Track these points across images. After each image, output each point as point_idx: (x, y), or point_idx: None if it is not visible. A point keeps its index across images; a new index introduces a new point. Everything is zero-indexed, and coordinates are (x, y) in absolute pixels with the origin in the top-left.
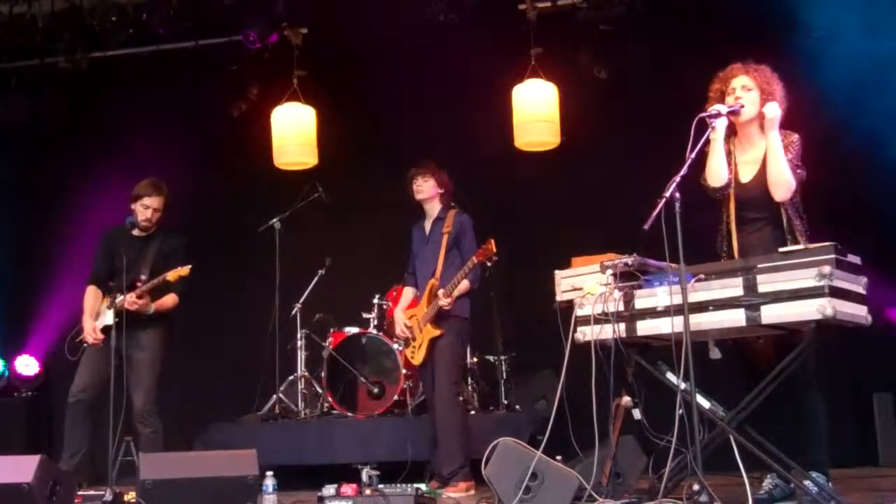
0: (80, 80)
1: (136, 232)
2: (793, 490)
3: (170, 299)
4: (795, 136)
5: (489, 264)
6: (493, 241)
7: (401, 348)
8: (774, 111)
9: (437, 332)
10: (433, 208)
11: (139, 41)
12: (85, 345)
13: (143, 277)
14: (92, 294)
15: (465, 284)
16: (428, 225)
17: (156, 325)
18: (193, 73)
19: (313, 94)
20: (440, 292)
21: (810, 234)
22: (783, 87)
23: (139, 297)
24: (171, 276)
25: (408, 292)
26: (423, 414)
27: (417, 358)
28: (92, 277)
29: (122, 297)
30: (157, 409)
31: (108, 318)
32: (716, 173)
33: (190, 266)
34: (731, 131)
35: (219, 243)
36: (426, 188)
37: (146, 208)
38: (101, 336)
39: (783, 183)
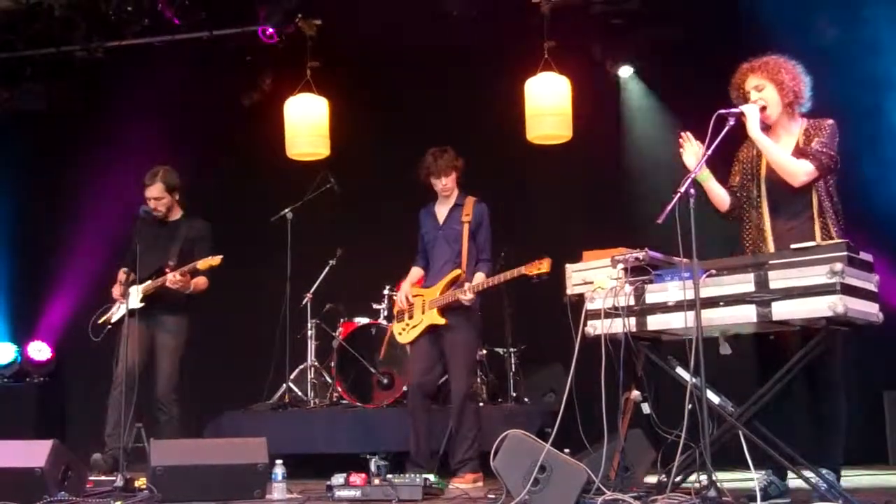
0: (95, 69)
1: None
2: (787, 488)
3: (202, 281)
4: (829, 122)
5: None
6: (548, 260)
7: (389, 324)
8: (751, 112)
9: (442, 322)
10: (452, 196)
11: (154, 31)
12: (109, 326)
13: (171, 263)
14: (123, 273)
15: (489, 283)
16: (443, 210)
17: (182, 311)
18: (208, 63)
19: (326, 85)
20: (466, 286)
21: (845, 222)
22: (794, 67)
23: (182, 274)
24: (202, 265)
25: (415, 271)
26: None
27: (406, 337)
28: (122, 263)
29: (146, 283)
30: (176, 395)
31: (134, 301)
32: (717, 202)
33: (221, 257)
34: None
35: (231, 232)
36: (451, 184)
37: (148, 199)
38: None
39: (788, 172)
